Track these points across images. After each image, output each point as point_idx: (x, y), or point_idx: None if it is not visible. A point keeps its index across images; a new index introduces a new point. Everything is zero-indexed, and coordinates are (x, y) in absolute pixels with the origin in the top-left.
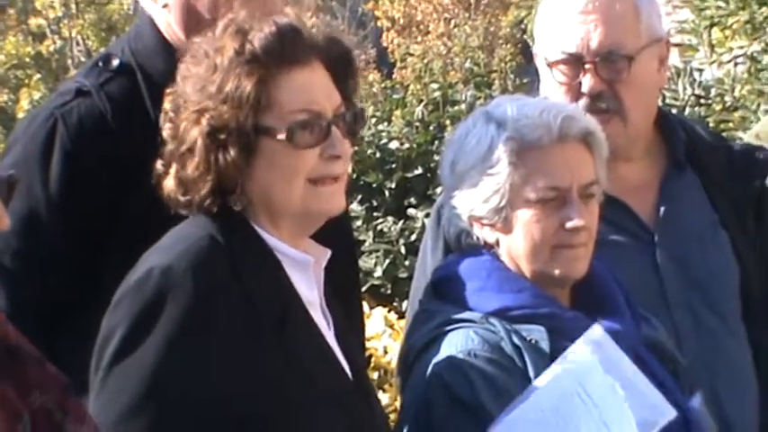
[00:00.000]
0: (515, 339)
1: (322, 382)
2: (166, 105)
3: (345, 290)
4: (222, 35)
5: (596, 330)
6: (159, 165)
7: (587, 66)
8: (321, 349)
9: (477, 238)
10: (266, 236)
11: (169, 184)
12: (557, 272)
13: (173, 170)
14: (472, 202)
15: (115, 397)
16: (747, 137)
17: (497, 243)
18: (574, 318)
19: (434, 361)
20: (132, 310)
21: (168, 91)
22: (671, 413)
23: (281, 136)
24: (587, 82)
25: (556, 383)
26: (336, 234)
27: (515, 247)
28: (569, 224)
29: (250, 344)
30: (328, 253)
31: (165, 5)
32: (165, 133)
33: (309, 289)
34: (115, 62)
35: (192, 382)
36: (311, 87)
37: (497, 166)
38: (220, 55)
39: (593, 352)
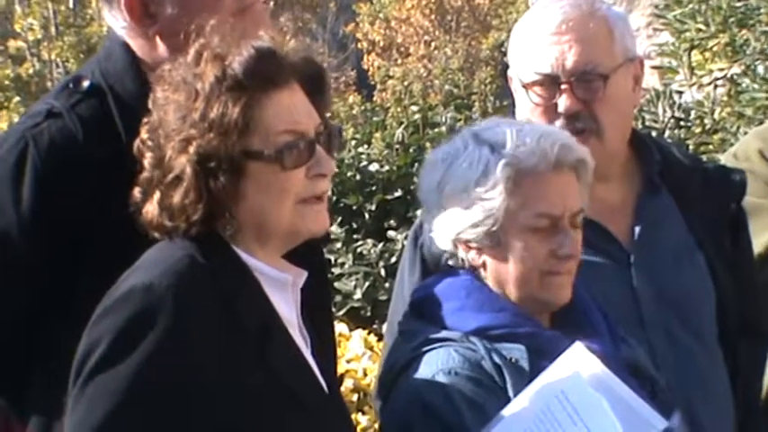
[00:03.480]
0: (495, 358)
1: (303, 398)
2: (144, 135)
3: (317, 309)
4: (198, 61)
5: (578, 346)
6: (137, 192)
7: (563, 86)
8: (300, 366)
9: (462, 260)
10: (245, 256)
11: (151, 211)
12: (544, 298)
13: (156, 197)
14: (460, 224)
15: (92, 408)
16: (725, 156)
17: (483, 266)
18: (553, 337)
19: (415, 380)
20: (114, 325)
21: (145, 120)
22: (661, 423)
23: (270, 158)
24: (563, 102)
25: (539, 398)
26: (309, 254)
27: (504, 272)
28: (562, 252)
29: (230, 361)
30: (304, 274)
31: (156, 34)
32: (147, 162)
33: (288, 308)
34: (85, 83)
35: (171, 397)
36: (294, 108)
37: (492, 191)
38: (200, 81)
39: (576, 367)
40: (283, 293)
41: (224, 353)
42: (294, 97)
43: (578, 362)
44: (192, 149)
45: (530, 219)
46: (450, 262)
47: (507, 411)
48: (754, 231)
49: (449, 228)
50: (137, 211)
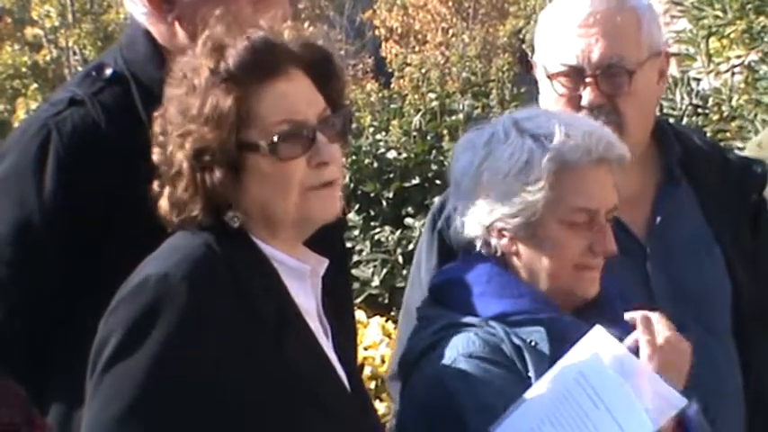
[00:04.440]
0: (516, 340)
1: (319, 391)
2: (155, 129)
3: (338, 297)
4: (200, 54)
5: (598, 329)
6: (156, 185)
7: (588, 79)
8: (318, 358)
9: (493, 247)
10: (262, 245)
11: (163, 204)
12: (575, 291)
13: (166, 191)
14: (497, 212)
15: (110, 401)
16: (749, 146)
17: (517, 254)
18: (573, 322)
19: (435, 365)
20: (129, 316)
21: (156, 114)
22: (681, 401)
23: (265, 150)
24: (587, 95)
25: (559, 382)
26: (329, 242)
27: (537, 263)
28: (598, 248)
29: (246, 351)
30: (325, 262)
31: (175, 19)
32: (155, 158)
33: (306, 297)
34: (108, 71)
35: (188, 388)
36: (290, 97)
37: (535, 183)
38: (197, 76)
39: (596, 350)
40: (302, 283)
41: (240, 344)
42: (292, 86)
43: (599, 345)
44: (188, 144)
45: (568, 213)
46: (480, 248)
47: (528, 395)
48: None
49: (484, 214)
50: (155, 205)
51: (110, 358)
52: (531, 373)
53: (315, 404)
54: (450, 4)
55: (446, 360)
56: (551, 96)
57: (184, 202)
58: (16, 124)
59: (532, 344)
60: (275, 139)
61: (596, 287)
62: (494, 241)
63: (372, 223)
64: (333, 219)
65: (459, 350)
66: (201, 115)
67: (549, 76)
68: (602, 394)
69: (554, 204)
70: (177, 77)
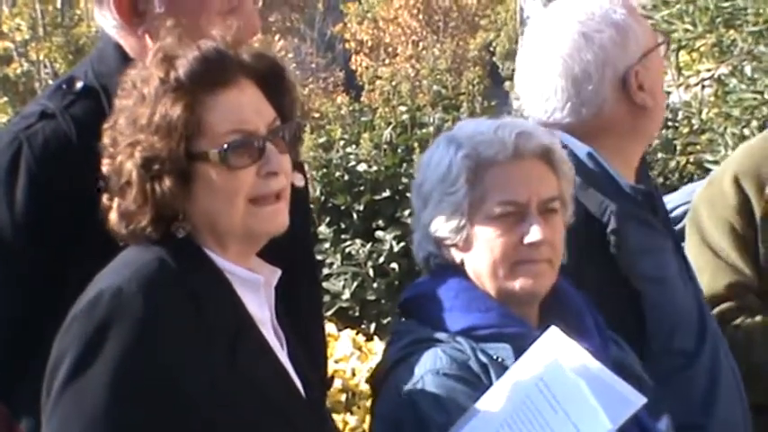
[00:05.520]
0: (482, 358)
1: (274, 400)
2: (105, 141)
3: (307, 309)
4: (150, 64)
5: (553, 330)
6: (105, 198)
7: None
8: (273, 368)
9: (445, 260)
10: (214, 257)
11: (112, 217)
12: (518, 287)
13: (115, 203)
14: (435, 223)
15: (69, 420)
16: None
17: (462, 263)
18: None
19: (403, 381)
20: (83, 332)
21: (105, 126)
22: (639, 400)
23: (215, 159)
24: None
25: (518, 388)
26: (294, 249)
27: (477, 266)
28: (527, 239)
29: (202, 364)
30: (278, 272)
31: (145, 32)
32: (105, 169)
33: (260, 308)
34: (79, 84)
35: (146, 402)
36: (240, 107)
37: (456, 184)
38: (147, 85)
39: (553, 352)
40: (256, 293)
41: (196, 357)
42: (242, 96)
43: (555, 347)
44: (137, 153)
45: (494, 208)
46: (437, 261)
47: (487, 400)
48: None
49: (427, 228)
50: (105, 219)
51: (66, 376)
52: None
53: (270, 413)
54: (421, 17)
55: (414, 376)
56: None
57: (133, 213)
58: None
59: (499, 360)
60: (225, 148)
61: (543, 282)
62: (444, 253)
63: (343, 236)
64: (280, 232)
65: (426, 366)
66: (151, 124)
67: None
68: (560, 398)
69: (478, 203)
70: (127, 88)
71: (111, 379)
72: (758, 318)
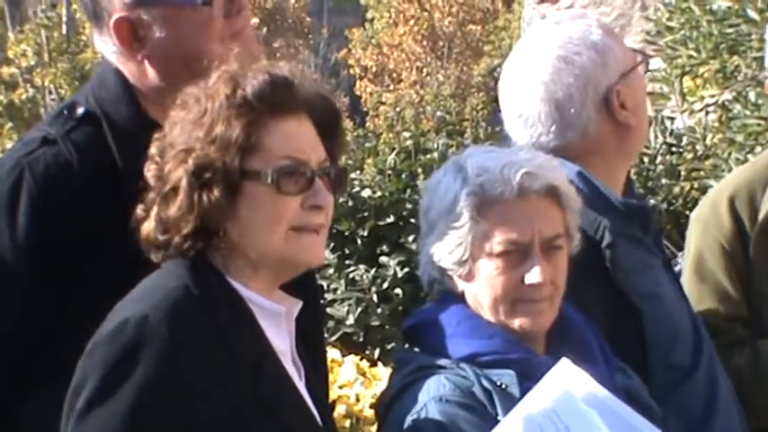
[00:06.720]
0: (486, 384)
1: (294, 431)
2: (153, 150)
3: (311, 337)
4: (216, 81)
5: (565, 362)
6: (140, 209)
7: None
8: (294, 399)
9: (448, 287)
10: (239, 287)
11: (148, 226)
12: (517, 325)
13: (153, 212)
14: (439, 252)
15: None
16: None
17: (463, 294)
18: (545, 363)
19: (407, 408)
20: (107, 357)
21: (156, 136)
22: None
23: (267, 179)
24: None
25: (530, 419)
26: (304, 281)
27: (479, 299)
28: (528, 279)
29: (225, 394)
30: (299, 304)
31: (145, 58)
32: (149, 174)
33: (281, 339)
34: (80, 110)
35: (168, 430)
36: (298, 136)
37: (460, 219)
38: (211, 100)
39: (565, 383)
40: (277, 324)
41: (218, 387)
42: (301, 128)
43: (567, 378)
44: (190, 160)
45: (496, 246)
46: (440, 287)
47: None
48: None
49: (433, 255)
50: (136, 229)
51: (88, 400)
52: (501, 417)
53: None
54: (425, 43)
55: (418, 403)
56: None
57: (175, 221)
58: None
59: (502, 386)
60: (278, 170)
61: (543, 321)
62: (446, 281)
63: (347, 262)
64: (316, 265)
65: (430, 393)
66: (209, 135)
67: None
68: (573, 429)
69: (481, 240)
70: (187, 102)
71: (135, 406)
72: (746, 350)
